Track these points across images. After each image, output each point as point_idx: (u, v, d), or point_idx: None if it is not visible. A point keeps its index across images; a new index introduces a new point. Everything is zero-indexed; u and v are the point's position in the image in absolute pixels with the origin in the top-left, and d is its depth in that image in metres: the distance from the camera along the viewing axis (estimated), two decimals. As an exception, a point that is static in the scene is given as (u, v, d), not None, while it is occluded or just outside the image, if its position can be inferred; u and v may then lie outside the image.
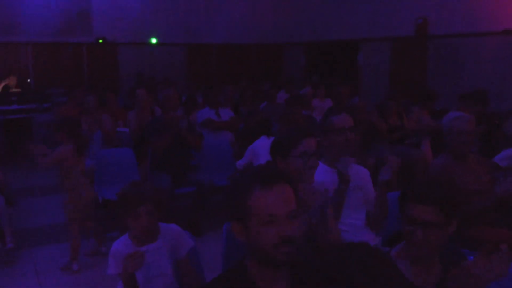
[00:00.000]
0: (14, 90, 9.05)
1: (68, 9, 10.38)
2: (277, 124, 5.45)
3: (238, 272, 1.55)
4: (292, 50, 12.69)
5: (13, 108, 8.30)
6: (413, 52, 9.66)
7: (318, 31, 11.65)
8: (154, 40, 11.61)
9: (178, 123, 4.52)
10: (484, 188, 3.11)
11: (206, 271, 2.42)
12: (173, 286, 2.21)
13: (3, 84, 9.03)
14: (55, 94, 8.98)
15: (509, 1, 8.11)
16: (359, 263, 1.30)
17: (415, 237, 1.67)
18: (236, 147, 5.58)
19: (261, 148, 4.69)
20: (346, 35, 11.01)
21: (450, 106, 7.45)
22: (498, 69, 8.23)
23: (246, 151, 4.71)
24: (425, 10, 9.35)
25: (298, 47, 12.44)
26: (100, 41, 10.80)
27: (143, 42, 11.38)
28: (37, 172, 7.31)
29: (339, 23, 11.15)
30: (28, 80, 9.53)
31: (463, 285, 1.54)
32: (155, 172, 4.59)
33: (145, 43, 11.43)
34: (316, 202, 2.05)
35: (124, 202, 2.17)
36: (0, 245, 4.19)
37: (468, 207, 2.91)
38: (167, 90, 4.76)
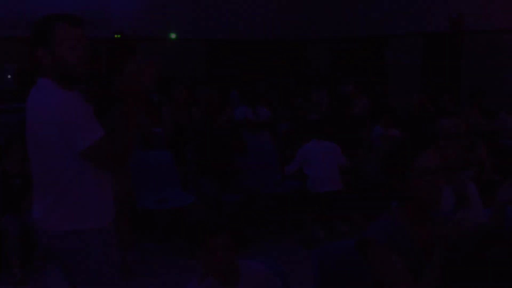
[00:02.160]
0: None
1: (86, 3, 10.07)
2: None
3: None
4: (316, 47, 12.28)
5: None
6: (447, 50, 9.23)
7: (344, 27, 11.24)
8: (173, 35, 11.27)
9: (225, 127, 4.10)
10: None
11: None
12: None
13: None
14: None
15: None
16: None
17: None
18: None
19: (312, 153, 4.30)
20: (373, 31, 10.60)
21: (490, 106, 7.04)
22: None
23: (296, 155, 4.32)
24: (460, 4, 8.92)
25: (322, 43, 12.04)
26: (118, 36, 10.45)
27: (162, 37, 11.03)
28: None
29: (365, 18, 10.75)
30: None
31: None
32: (199, 177, 4.18)
33: (164, 38, 11.08)
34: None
35: (196, 232, 1.72)
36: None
37: None
38: (208, 89, 4.34)
